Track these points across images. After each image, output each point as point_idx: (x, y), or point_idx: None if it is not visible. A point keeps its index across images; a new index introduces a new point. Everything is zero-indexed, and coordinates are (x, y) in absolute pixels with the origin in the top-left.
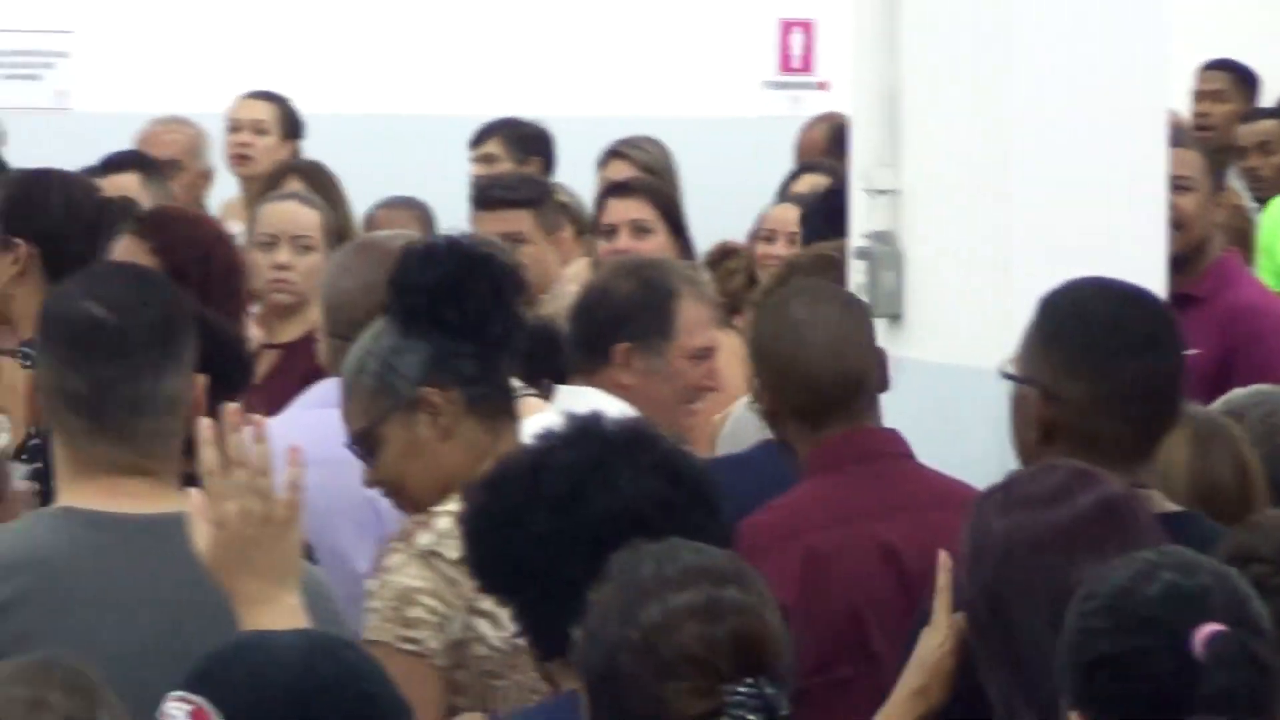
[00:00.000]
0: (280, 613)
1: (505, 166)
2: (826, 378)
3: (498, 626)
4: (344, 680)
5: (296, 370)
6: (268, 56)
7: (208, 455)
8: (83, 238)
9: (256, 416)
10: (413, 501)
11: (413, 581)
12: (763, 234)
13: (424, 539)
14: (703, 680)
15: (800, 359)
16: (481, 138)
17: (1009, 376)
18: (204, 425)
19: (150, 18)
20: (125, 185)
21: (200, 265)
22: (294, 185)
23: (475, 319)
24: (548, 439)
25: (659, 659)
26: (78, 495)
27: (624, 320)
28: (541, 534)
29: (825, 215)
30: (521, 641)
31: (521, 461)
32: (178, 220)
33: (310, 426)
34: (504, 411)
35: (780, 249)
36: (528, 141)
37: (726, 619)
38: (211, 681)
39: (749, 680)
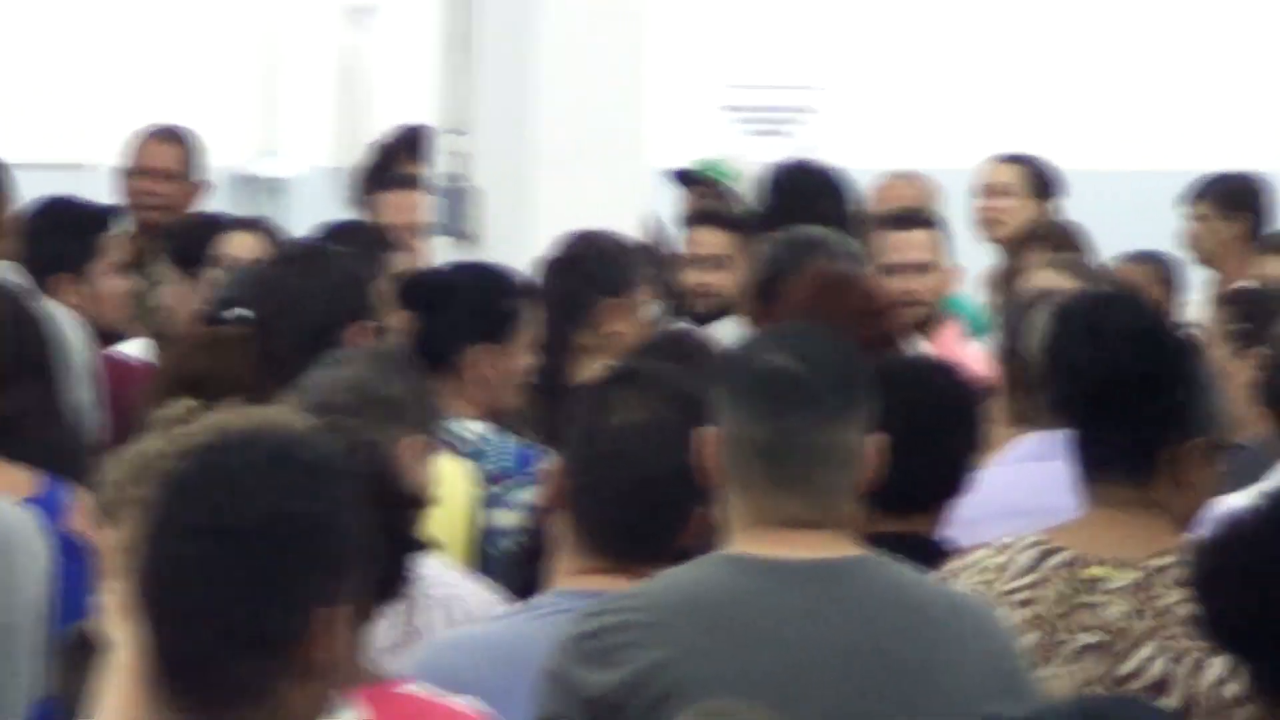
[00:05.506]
0: None
1: (1215, 225)
2: None
3: None
4: None
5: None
6: (1012, 114)
7: None
8: None
9: None
10: None
11: None
12: None
13: None
14: None
15: None
16: (1194, 196)
17: None
18: None
19: (896, 74)
20: (917, 240)
21: None
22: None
23: None
24: (1273, 497)
25: None
26: (745, 543)
27: None
28: None
29: None
30: None
31: (1248, 521)
32: None
33: (1022, 478)
34: None
35: None
36: (1236, 197)
37: None
38: None
39: None
